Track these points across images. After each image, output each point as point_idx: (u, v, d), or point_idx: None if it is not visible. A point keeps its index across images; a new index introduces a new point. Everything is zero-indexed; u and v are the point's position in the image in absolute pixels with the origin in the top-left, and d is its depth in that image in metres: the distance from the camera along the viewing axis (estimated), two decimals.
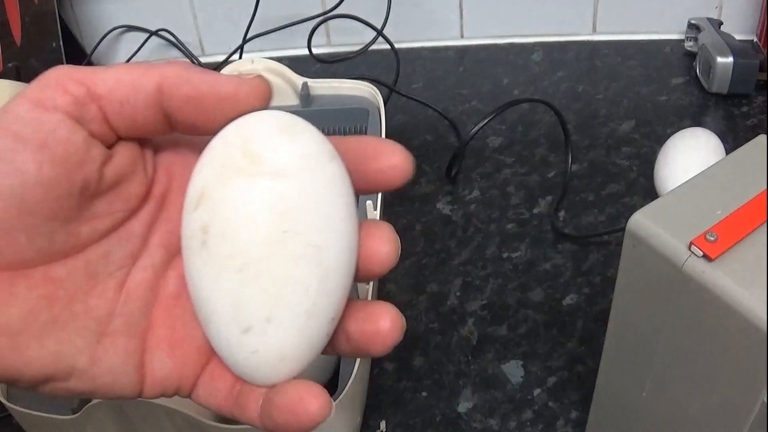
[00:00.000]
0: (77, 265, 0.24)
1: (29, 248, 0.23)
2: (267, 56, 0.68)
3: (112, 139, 0.24)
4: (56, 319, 0.23)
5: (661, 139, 0.64)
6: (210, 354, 0.26)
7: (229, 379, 0.25)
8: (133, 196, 0.25)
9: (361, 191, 0.25)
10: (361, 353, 0.25)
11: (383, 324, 0.24)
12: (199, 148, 0.26)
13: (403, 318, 0.25)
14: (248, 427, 0.42)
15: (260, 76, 0.24)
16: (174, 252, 0.26)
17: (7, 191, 0.22)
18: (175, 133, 0.26)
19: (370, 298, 0.48)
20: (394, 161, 0.25)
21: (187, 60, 0.23)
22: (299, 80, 0.67)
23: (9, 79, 0.67)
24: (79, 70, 0.23)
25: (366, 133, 0.63)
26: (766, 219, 0.32)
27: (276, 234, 0.23)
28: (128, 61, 0.88)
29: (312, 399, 0.23)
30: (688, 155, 0.60)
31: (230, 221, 0.23)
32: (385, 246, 0.25)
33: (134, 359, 0.25)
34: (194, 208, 0.24)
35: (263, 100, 0.24)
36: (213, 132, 0.24)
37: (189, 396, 0.26)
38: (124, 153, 0.24)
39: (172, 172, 0.26)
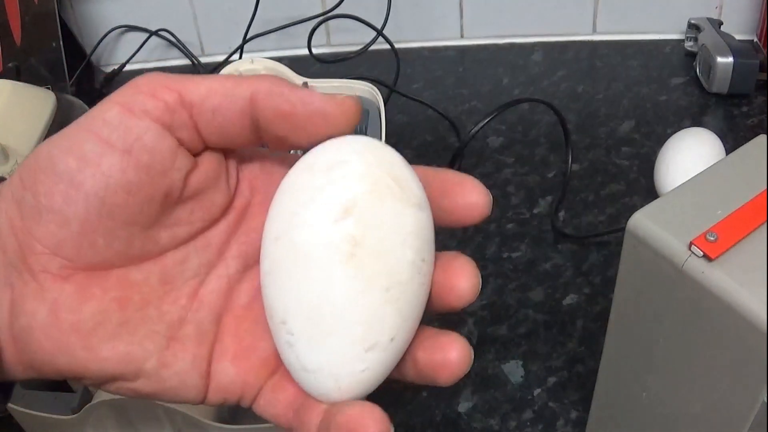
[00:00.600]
0: (154, 270, 0.24)
1: (107, 250, 0.23)
2: (267, 56, 0.68)
3: (199, 148, 0.24)
4: (128, 321, 0.24)
5: (661, 139, 0.64)
6: (275, 367, 0.26)
7: (291, 391, 0.25)
8: (214, 206, 0.25)
9: (438, 224, 0.25)
10: (427, 381, 0.25)
11: (452, 355, 0.24)
12: (283, 164, 0.26)
13: (471, 349, 0.25)
14: (249, 427, 0.42)
15: (353, 97, 0.24)
16: (250, 264, 0.26)
17: (90, 193, 0.22)
18: (261, 149, 0.27)
19: None
20: (473, 199, 0.25)
21: (277, 76, 0.23)
22: (299, 80, 0.67)
23: (9, 79, 0.67)
24: (171, 77, 0.23)
25: (366, 133, 0.63)
26: (766, 219, 0.32)
27: (418, 262, 0.24)
28: (128, 61, 0.88)
29: (372, 422, 0.23)
30: (688, 155, 0.60)
31: (383, 240, 0.23)
32: (466, 281, 0.25)
33: (201, 366, 0.25)
34: (339, 218, 0.23)
35: (354, 120, 0.24)
36: (300, 147, 0.24)
37: (251, 405, 0.26)
38: (209, 163, 0.25)
39: (255, 185, 0.26)
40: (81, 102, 0.71)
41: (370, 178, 0.23)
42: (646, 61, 0.82)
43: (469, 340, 0.55)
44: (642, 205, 0.33)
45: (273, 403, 0.26)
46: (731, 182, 0.34)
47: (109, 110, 0.23)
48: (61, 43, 0.78)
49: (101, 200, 0.22)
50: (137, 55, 0.88)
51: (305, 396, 0.25)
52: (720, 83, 0.73)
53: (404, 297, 0.24)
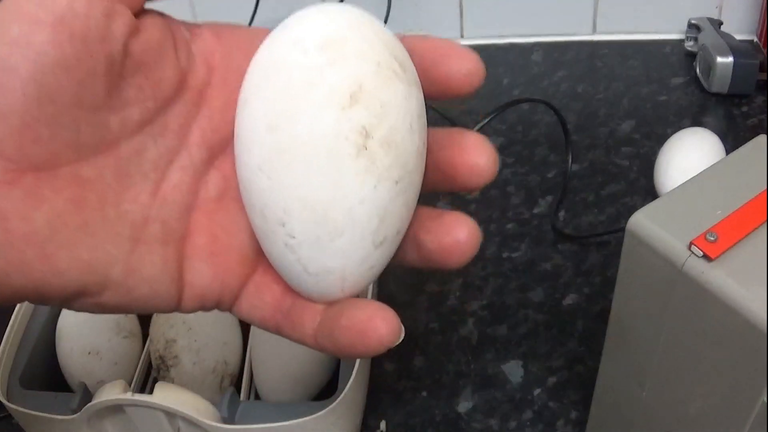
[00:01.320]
0: (108, 163, 0.22)
1: (53, 142, 0.20)
2: None
3: (137, 2, 0.21)
4: (87, 224, 0.21)
5: (661, 139, 0.64)
6: (254, 264, 0.24)
7: (277, 291, 0.23)
8: (164, 81, 0.22)
9: (427, 97, 0.23)
10: (433, 265, 0.23)
11: (461, 235, 0.22)
12: (243, 37, 0.23)
13: (479, 228, 0.23)
14: (248, 427, 0.42)
15: None
16: (216, 152, 0.24)
17: (25, 76, 0.20)
18: (220, 24, 0.24)
19: (369, 297, 0.48)
20: (465, 66, 0.23)
21: None
22: None
23: None
24: None
25: None
26: (766, 219, 0.32)
27: (421, 147, 0.22)
28: None
29: (382, 321, 0.21)
30: (688, 155, 0.60)
31: (395, 129, 0.21)
32: (483, 158, 0.23)
33: (172, 269, 0.23)
34: (346, 105, 0.20)
35: None
36: None
37: (230, 309, 0.24)
38: (152, 28, 0.22)
39: (212, 62, 0.24)
40: None
41: (373, 57, 0.21)
42: (646, 61, 0.82)
43: (469, 340, 0.55)
44: (642, 205, 0.33)
45: (257, 305, 0.24)
46: (731, 182, 0.34)
47: None
48: None
49: (38, 83, 0.20)
50: None
51: (294, 296, 0.23)
52: (720, 83, 0.73)
53: (411, 187, 0.22)
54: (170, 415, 0.42)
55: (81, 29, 0.20)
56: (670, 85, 0.78)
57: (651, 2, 0.83)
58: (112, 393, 0.42)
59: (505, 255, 0.62)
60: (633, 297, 0.35)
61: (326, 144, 0.20)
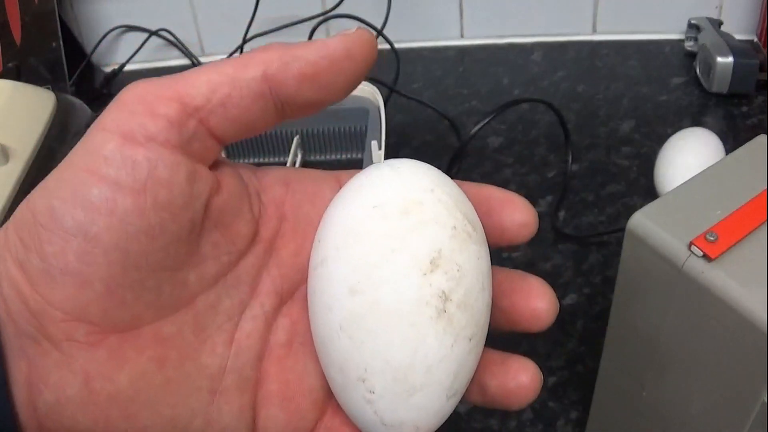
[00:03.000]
0: (186, 319, 0.22)
1: (136, 305, 0.20)
2: None
3: (216, 152, 0.22)
4: (168, 381, 0.21)
5: (661, 139, 0.64)
6: (325, 406, 0.24)
7: None
8: (239, 236, 0.23)
9: None
10: (495, 406, 0.24)
11: (524, 380, 0.23)
12: (312, 189, 0.24)
13: (540, 372, 0.24)
14: None
15: (360, 28, 0.22)
16: (285, 298, 0.24)
17: (109, 246, 0.19)
18: (283, 169, 0.24)
19: None
20: (521, 219, 0.23)
21: (277, 43, 0.21)
22: None
23: (9, 79, 0.67)
24: (163, 83, 0.21)
25: (366, 134, 0.63)
26: (766, 219, 0.32)
27: (490, 302, 0.23)
28: (128, 61, 0.88)
29: None
30: (688, 155, 0.60)
31: (470, 291, 0.22)
32: (545, 303, 0.24)
33: (247, 416, 0.23)
34: (427, 271, 0.21)
35: (374, 52, 0.22)
36: (336, 101, 0.22)
37: None
38: (228, 185, 0.22)
39: (282, 213, 0.24)
40: (81, 102, 0.71)
41: (449, 222, 0.22)
42: (646, 61, 0.82)
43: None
44: (642, 205, 0.33)
45: None
46: (731, 182, 0.34)
47: (108, 143, 0.20)
48: (61, 43, 0.78)
49: (123, 251, 0.20)
50: (137, 55, 0.88)
51: None
52: (720, 83, 0.73)
53: (481, 342, 0.23)
54: None
55: (165, 197, 0.20)
56: (670, 85, 0.78)
57: (651, 2, 0.83)
58: None
59: (505, 255, 0.62)
60: (633, 297, 0.35)
61: (408, 309, 0.21)
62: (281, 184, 0.24)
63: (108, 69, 0.89)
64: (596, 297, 0.57)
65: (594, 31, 0.86)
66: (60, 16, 0.79)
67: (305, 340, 0.24)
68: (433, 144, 0.73)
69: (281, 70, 0.21)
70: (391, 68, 0.76)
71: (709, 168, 0.36)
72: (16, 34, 0.79)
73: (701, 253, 0.31)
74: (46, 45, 0.79)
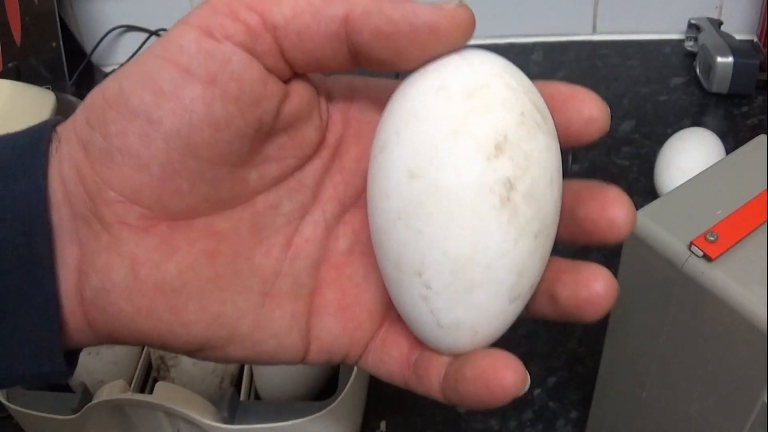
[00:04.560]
0: (243, 217, 0.21)
1: (192, 196, 0.20)
2: None
3: (287, 74, 0.21)
4: (218, 277, 0.21)
5: (661, 139, 0.64)
6: (382, 319, 0.23)
7: (404, 345, 0.23)
8: (307, 141, 0.22)
9: None
10: (569, 318, 0.22)
11: (599, 288, 0.21)
12: (377, 96, 0.23)
13: (617, 282, 0.22)
14: (249, 427, 0.42)
15: (464, 6, 0.20)
16: (348, 205, 0.23)
17: (172, 132, 0.19)
18: (352, 77, 0.23)
19: None
20: (588, 112, 0.22)
21: None
22: None
23: (9, 79, 0.67)
24: None
25: None
26: (766, 219, 0.32)
27: (558, 201, 0.21)
28: (128, 60, 0.88)
29: (507, 371, 0.21)
30: (688, 155, 0.60)
31: (537, 182, 0.20)
32: (624, 213, 0.22)
33: (300, 323, 0.22)
34: (491, 156, 0.20)
35: (470, 33, 0.21)
36: (406, 70, 0.21)
37: (356, 363, 0.24)
38: (301, 91, 0.21)
39: (348, 119, 0.23)
40: (81, 102, 0.71)
41: (517, 107, 0.20)
42: (646, 61, 0.82)
43: None
44: (642, 205, 0.33)
45: (385, 360, 0.23)
46: (731, 182, 0.34)
47: (186, 34, 0.20)
48: (61, 43, 0.78)
49: (185, 139, 0.19)
50: (137, 55, 0.88)
51: (421, 348, 0.23)
52: (720, 83, 0.73)
53: (547, 242, 0.21)
54: (170, 414, 0.42)
55: (234, 90, 0.20)
56: (670, 85, 0.78)
57: (651, 2, 0.83)
58: (113, 393, 0.42)
59: None
60: (633, 297, 0.35)
61: (470, 195, 0.20)
62: (348, 90, 0.24)
63: (108, 69, 0.89)
64: None
65: (594, 31, 0.86)
66: (60, 16, 0.79)
67: (367, 249, 0.23)
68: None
69: (361, 17, 0.20)
70: None
71: (709, 168, 0.36)
72: (16, 34, 0.79)
73: (701, 253, 0.31)
74: (46, 45, 0.79)
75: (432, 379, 0.22)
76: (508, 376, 0.21)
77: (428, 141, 0.20)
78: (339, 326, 0.23)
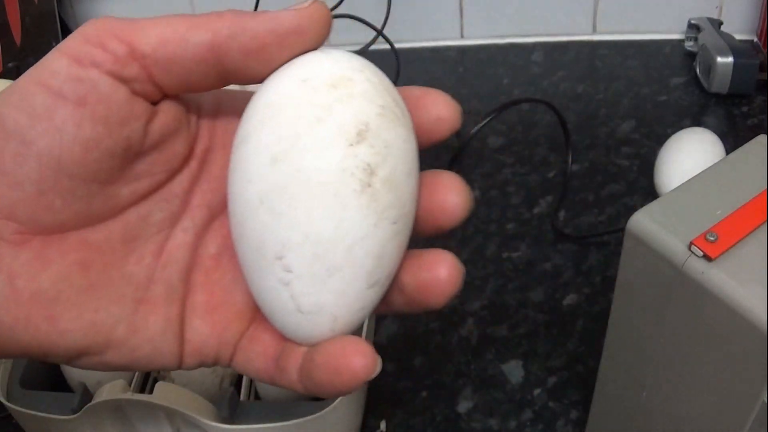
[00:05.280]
0: (115, 228, 0.23)
1: (65, 212, 0.21)
2: None
3: (157, 97, 0.22)
4: (92, 286, 0.22)
5: (661, 139, 0.64)
6: (251, 319, 0.24)
7: (267, 341, 0.24)
8: (176, 155, 0.23)
9: None
10: (416, 306, 0.23)
11: (442, 272, 0.22)
12: (241, 104, 0.23)
13: (461, 265, 0.22)
14: (249, 427, 0.42)
15: (316, 2, 0.21)
16: (216, 212, 0.24)
17: (44, 151, 0.20)
18: (218, 90, 0.24)
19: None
20: (437, 111, 0.23)
21: (237, 9, 0.21)
22: None
23: (9, 79, 0.67)
24: (120, 24, 0.21)
25: None
26: (766, 219, 0.32)
27: (416, 192, 0.22)
28: None
29: (356, 355, 0.21)
30: (688, 155, 0.60)
31: (396, 170, 0.21)
32: (455, 196, 0.22)
33: (174, 327, 0.23)
34: (354, 141, 0.20)
35: (328, 27, 0.22)
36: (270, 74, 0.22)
37: (229, 364, 0.24)
38: (169, 110, 0.23)
39: (215, 129, 0.24)
40: None
41: (377, 100, 0.21)
42: (646, 61, 0.82)
43: (469, 340, 0.55)
44: (642, 205, 0.33)
45: (251, 357, 0.24)
46: (731, 182, 0.34)
47: (57, 60, 0.21)
48: None
49: (56, 158, 0.20)
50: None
51: (283, 342, 0.23)
52: (720, 83, 0.73)
53: (405, 230, 0.22)
54: (170, 414, 0.42)
55: (103, 112, 0.21)
56: (670, 85, 0.78)
57: (651, 2, 0.83)
58: (112, 393, 0.42)
59: (505, 255, 0.62)
60: (633, 297, 0.35)
61: (332, 179, 0.21)
62: (215, 101, 0.25)
63: None
64: (596, 297, 0.57)
65: (594, 31, 0.86)
66: (60, 16, 0.79)
67: (235, 253, 0.24)
68: (432, 144, 0.73)
69: (228, 39, 0.21)
70: (391, 68, 0.76)
71: (709, 168, 0.36)
72: (16, 34, 0.79)
73: (701, 253, 0.31)
74: (46, 45, 0.79)
75: (291, 371, 0.23)
76: (357, 360, 0.21)
77: (292, 127, 0.21)
78: (208, 327, 0.24)
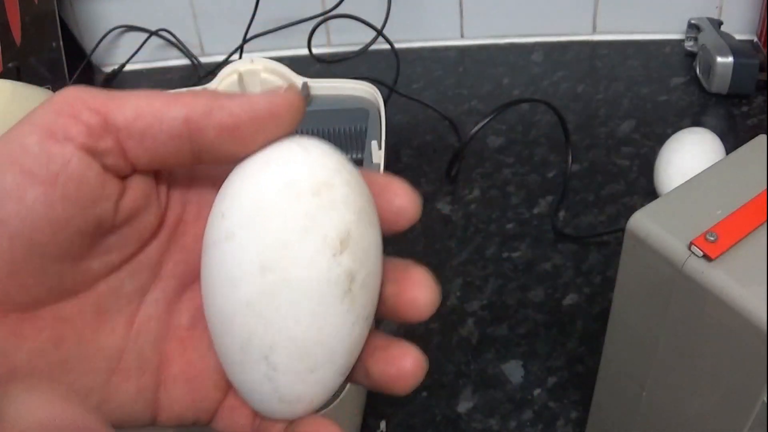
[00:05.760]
0: (87, 301, 0.23)
1: (37, 289, 0.21)
2: (267, 56, 0.68)
3: (128, 172, 0.22)
4: (65, 360, 0.22)
5: (661, 139, 0.64)
6: (227, 387, 0.25)
7: (248, 413, 0.25)
8: (146, 228, 0.23)
9: None
10: (380, 390, 0.25)
11: (406, 365, 0.24)
12: (216, 175, 0.24)
13: (425, 358, 0.24)
14: None
15: (294, 87, 0.22)
16: (188, 282, 0.25)
17: (15, 231, 0.20)
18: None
19: None
20: (400, 203, 0.24)
21: (211, 88, 0.22)
22: (299, 80, 0.67)
23: (9, 79, 0.67)
24: (95, 95, 0.21)
25: (366, 134, 0.63)
26: (766, 219, 0.32)
27: (380, 284, 0.24)
28: (128, 61, 0.88)
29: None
30: (688, 155, 0.60)
31: (370, 272, 0.23)
32: (425, 293, 0.24)
33: (146, 395, 0.24)
34: (339, 251, 0.22)
35: (301, 113, 0.23)
36: (245, 157, 0.23)
37: (208, 424, 0.25)
38: (138, 186, 0.23)
39: (187, 198, 0.25)
40: None
41: (356, 204, 0.22)
42: (646, 61, 0.82)
43: (469, 340, 0.55)
44: (642, 205, 0.33)
45: (232, 425, 0.25)
46: (731, 182, 0.34)
47: (29, 136, 0.21)
48: (61, 43, 0.78)
49: (27, 238, 0.20)
50: (137, 55, 0.88)
51: (262, 417, 0.25)
52: (720, 83, 0.73)
53: (372, 318, 0.24)
54: None
55: (74, 191, 0.21)
56: (670, 85, 0.78)
57: (651, 2, 0.83)
58: None
59: (505, 255, 0.62)
60: (633, 297, 0.35)
61: (318, 287, 0.22)
62: (187, 171, 0.25)
63: (108, 69, 0.89)
64: (596, 297, 0.57)
65: (594, 31, 0.86)
66: (60, 16, 0.79)
67: (211, 335, 0.24)
68: (433, 144, 0.73)
69: (203, 117, 0.21)
70: (391, 68, 0.76)
71: (709, 168, 0.36)
72: (16, 34, 0.79)
73: (701, 253, 0.31)
74: (46, 45, 0.79)
75: None
76: None
77: (279, 236, 0.22)
78: (187, 397, 0.24)
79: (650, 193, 0.64)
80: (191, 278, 0.25)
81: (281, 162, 0.22)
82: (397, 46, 0.75)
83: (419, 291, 0.24)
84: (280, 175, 0.22)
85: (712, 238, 0.31)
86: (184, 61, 0.90)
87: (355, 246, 0.22)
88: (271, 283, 0.22)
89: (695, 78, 0.78)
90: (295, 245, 0.22)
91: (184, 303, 0.25)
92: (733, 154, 0.36)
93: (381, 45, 0.75)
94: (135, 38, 0.89)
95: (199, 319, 0.25)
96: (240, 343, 0.23)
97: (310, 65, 0.77)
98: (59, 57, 0.78)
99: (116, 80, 0.87)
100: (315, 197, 0.22)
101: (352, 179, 0.23)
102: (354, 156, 0.70)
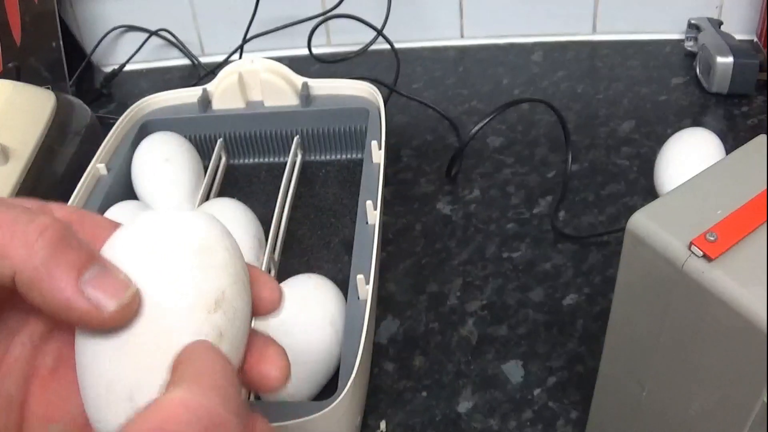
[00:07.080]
0: None
1: None
2: (267, 56, 0.68)
3: None
4: None
5: (661, 139, 0.64)
6: (83, 425, 0.26)
7: None
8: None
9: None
10: (251, 387, 0.27)
11: (274, 372, 0.26)
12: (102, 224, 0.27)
13: (290, 365, 0.26)
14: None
15: (134, 291, 0.23)
16: (53, 324, 0.26)
17: None
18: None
19: (369, 300, 0.48)
20: (267, 295, 0.26)
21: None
22: (299, 80, 0.67)
23: (9, 79, 0.67)
24: None
25: (366, 134, 0.63)
26: (766, 219, 0.32)
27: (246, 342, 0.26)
28: (128, 61, 0.88)
29: None
30: (688, 155, 0.60)
31: (238, 332, 0.25)
32: (276, 371, 0.26)
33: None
34: (212, 310, 0.24)
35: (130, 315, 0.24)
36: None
37: None
38: None
39: None
40: (81, 102, 0.71)
41: (232, 268, 0.25)
42: (646, 61, 0.82)
43: (469, 340, 0.55)
44: (642, 205, 0.33)
45: None
46: (731, 182, 0.34)
47: None
48: (61, 43, 0.78)
49: None
50: (137, 55, 0.88)
51: None
52: (720, 83, 0.73)
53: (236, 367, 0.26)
54: None
55: None
56: (670, 85, 0.78)
57: (651, 2, 0.83)
58: None
59: (505, 255, 0.62)
60: (633, 297, 0.35)
61: (189, 339, 0.24)
62: (65, 213, 0.26)
63: (108, 69, 0.89)
64: (596, 297, 0.57)
65: (594, 31, 0.86)
66: (60, 16, 0.79)
67: (72, 363, 0.25)
68: (433, 144, 0.73)
69: (25, 284, 0.22)
70: (391, 68, 0.76)
71: (709, 168, 0.36)
72: (16, 34, 0.79)
73: (701, 253, 0.31)
74: (46, 45, 0.79)
75: None
76: None
77: (161, 291, 0.24)
78: None
79: (650, 193, 0.64)
80: (56, 321, 0.26)
81: (173, 223, 0.25)
82: (397, 46, 0.75)
83: (272, 369, 0.26)
84: (168, 235, 0.25)
85: (712, 238, 0.31)
86: (184, 61, 0.90)
87: (228, 307, 0.24)
88: (142, 328, 0.23)
89: (695, 78, 0.78)
90: (173, 300, 0.24)
91: (50, 345, 0.26)
92: (733, 154, 0.36)
93: (381, 45, 0.75)
94: (135, 38, 0.89)
95: (62, 362, 0.26)
96: (105, 384, 0.24)
97: (310, 65, 0.78)
98: (59, 57, 0.78)
99: (116, 80, 0.87)
100: (198, 256, 0.24)
101: (233, 248, 0.26)
102: (354, 156, 0.70)
